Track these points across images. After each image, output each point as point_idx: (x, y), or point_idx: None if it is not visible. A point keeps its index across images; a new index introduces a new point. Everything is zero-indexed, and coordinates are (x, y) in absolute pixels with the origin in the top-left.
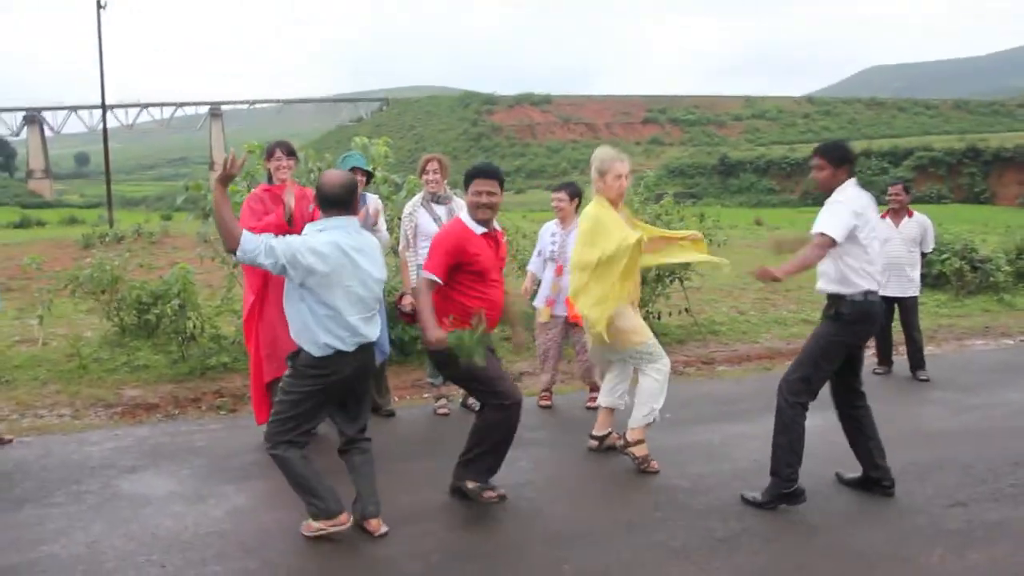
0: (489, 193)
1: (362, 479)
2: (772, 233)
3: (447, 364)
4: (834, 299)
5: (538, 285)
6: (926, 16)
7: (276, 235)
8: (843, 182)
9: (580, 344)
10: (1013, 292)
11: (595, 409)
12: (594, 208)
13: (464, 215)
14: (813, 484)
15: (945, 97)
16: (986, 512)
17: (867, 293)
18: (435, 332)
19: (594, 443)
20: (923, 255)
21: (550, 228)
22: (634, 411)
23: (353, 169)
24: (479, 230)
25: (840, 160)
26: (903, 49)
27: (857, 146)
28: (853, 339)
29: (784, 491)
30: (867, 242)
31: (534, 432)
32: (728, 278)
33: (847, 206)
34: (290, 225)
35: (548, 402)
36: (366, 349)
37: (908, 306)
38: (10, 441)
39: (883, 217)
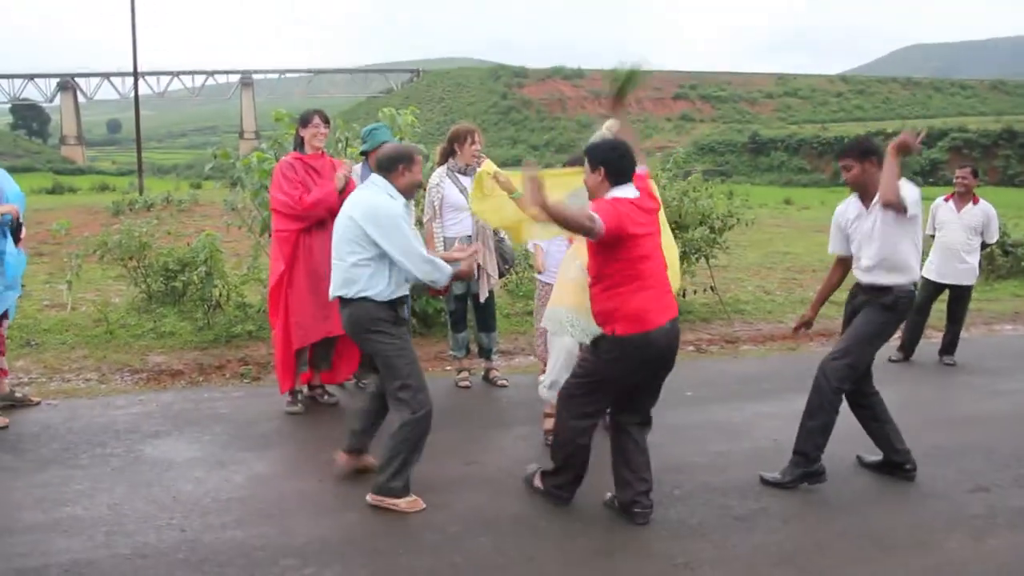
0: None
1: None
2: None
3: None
4: (884, 289)
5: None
6: None
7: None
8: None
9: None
10: None
11: None
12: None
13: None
14: (833, 465)
15: (983, 77)
16: (1009, 498)
17: (915, 284)
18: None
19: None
20: (984, 245)
21: None
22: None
23: (383, 143)
24: None
25: (864, 153)
26: (942, 28)
27: (890, 127)
28: (895, 329)
29: (807, 470)
30: (917, 231)
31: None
32: (756, 257)
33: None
34: (340, 195)
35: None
36: None
37: (960, 295)
38: (37, 403)
39: (946, 200)
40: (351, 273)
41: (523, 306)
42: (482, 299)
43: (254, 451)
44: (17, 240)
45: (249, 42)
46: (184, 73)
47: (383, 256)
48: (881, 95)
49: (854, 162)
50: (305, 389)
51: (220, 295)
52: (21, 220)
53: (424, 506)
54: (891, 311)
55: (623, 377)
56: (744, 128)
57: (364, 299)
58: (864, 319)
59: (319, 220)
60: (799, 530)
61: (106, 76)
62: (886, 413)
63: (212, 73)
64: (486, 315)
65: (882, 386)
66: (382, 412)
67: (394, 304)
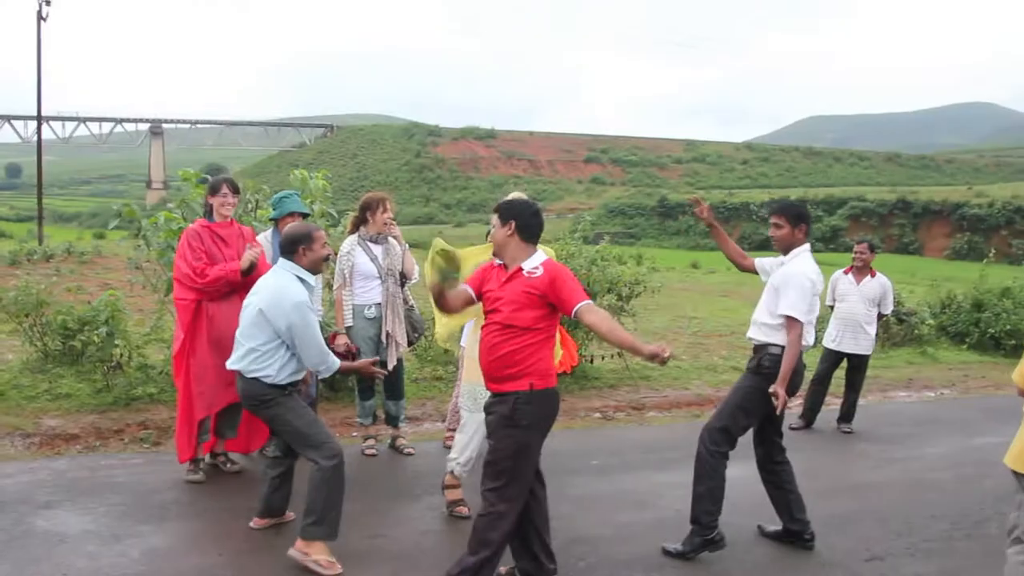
0: None
1: None
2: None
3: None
4: (759, 349)
5: None
6: (862, 71)
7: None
8: (800, 241)
9: None
10: (936, 345)
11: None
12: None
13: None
14: (734, 534)
15: (879, 149)
16: (902, 566)
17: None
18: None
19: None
20: (880, 316)
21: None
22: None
23: (292, 213)
24: None
25: (797, 218)
26: (840, 101)
27: (793, 194)
28: (762, 393)
29: (704, 538)
30: (811, 305)
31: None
32: (663, 321)
33: (811, 285)
34: (245, 276)
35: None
36: None
37: (858, 364)
38: None
39: (845, 272)
40: (250, 355)
41: (431, 371)
42: (390, 367)
43: (152, 523)
44: None
45: (160, 91)
46: (91, 119)
47: (283, 343)
48: (785, 163)
49: (787, 223)
50: (207, 457)
51: (121, 356)
52: None
53: (341, 570)
54: (756, 375)
55: (543, 434)
56: (653, 192)
57: (257, 379)
58: (736, 384)
59: (219, 293)
60: None
61: (7, 119)
62: (792, 483)
63: (120, 120)
64: (394, 382)
65: None
66: (288, 474)
67: (285, 386)
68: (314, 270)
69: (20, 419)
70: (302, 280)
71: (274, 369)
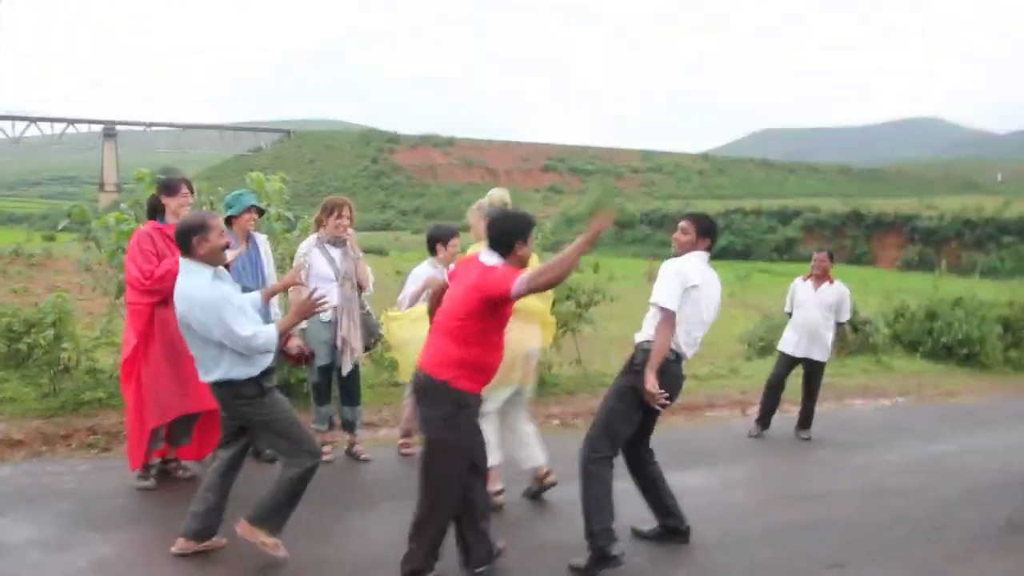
0: None
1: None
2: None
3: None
4: (635, 349)
5: None
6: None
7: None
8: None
9: None
10: (891, 354)
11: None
12: None
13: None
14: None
15: (831, 161)
16: (864, 572)
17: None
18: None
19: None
20: (838, 324)
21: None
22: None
23: (250, 208)
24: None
25: (705, 231)
26: (793, 114)
27: (748, 204)
28: (631, 391)
29: (601, 550)
30: (692, 310)
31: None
32: (621, 329)
33: (678, 275)
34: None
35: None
36: None
37: (814, 370)
38: None
39: (804, 280)
40: (204, 362)
41: (388, 376)
42: (345, 372)
43: (100, 531)
44: None
45: (114, 92)
46: (43, 120)
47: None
48: (740, 175)
49: (693, 232)
50: (158, 462)
51: (69, 359)
52: None
53: (287, 554)
54: (627, 373)
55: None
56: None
57: (226, 382)
58: (609, 389)
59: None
60: None
61: None
62: (663, 481)
63: (73, 121)
64: (350, 388)
65: (740, 461)
66: (227, 490)
67: (258, 379)
68: (212, 262)
69: None
70: (201, 276)
71: (235, 367)
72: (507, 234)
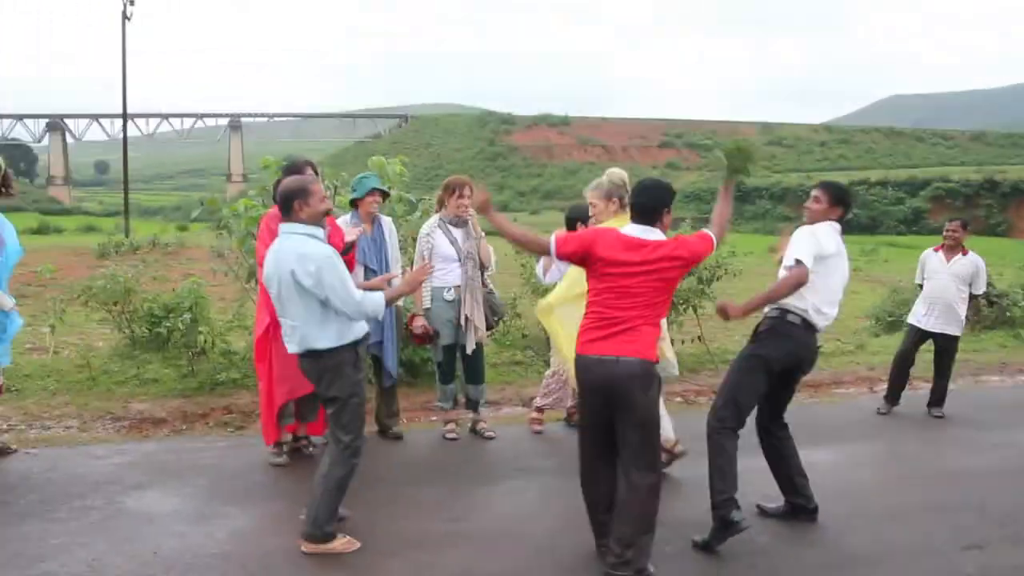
0: None
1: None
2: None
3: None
4: (764, 318)
5: None
6: (945, 48)
7: None
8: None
9: None
10: None
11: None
12: None
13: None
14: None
15: (963, 128)
16: (1002, 556)
17: (787, 313)
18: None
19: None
20: (972, 296)
21: None
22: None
23: (372, 191)
24: None
25: (838, 200)
26: (922, 79)
27: (874, 175)
28: (769, 353)
29: (722, 520)
30: (823, 282)
31: (543, 460)
32: None
33: (813, 236)
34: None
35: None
36: None
37: (947, 346)
38: (15, 451)
39: (936, 251)
40: (306, 328)
41: (510, 355)
42: (469, 351)
43: (237, 505)
44: None
45: (238, 86)
46: (173, 116)
47: (325, 304)
48: (864, 144)
49: (826, 201)
50: (290, 438)
51: (205, 342)
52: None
53: (359, 544)
54: (751, 342)
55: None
56: None
57: (322, 350)
58: (734, 359)
59: None
60: None
61: (95, 117)
62: (795, 456)
63: (201, 116)
64: (474, 367)
65: (868, 439)
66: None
67: (354, 345)
68: (314, 223)
69: (110, 403)
70: (312, 236)
71: (331, 333)
72: (658, 201)
